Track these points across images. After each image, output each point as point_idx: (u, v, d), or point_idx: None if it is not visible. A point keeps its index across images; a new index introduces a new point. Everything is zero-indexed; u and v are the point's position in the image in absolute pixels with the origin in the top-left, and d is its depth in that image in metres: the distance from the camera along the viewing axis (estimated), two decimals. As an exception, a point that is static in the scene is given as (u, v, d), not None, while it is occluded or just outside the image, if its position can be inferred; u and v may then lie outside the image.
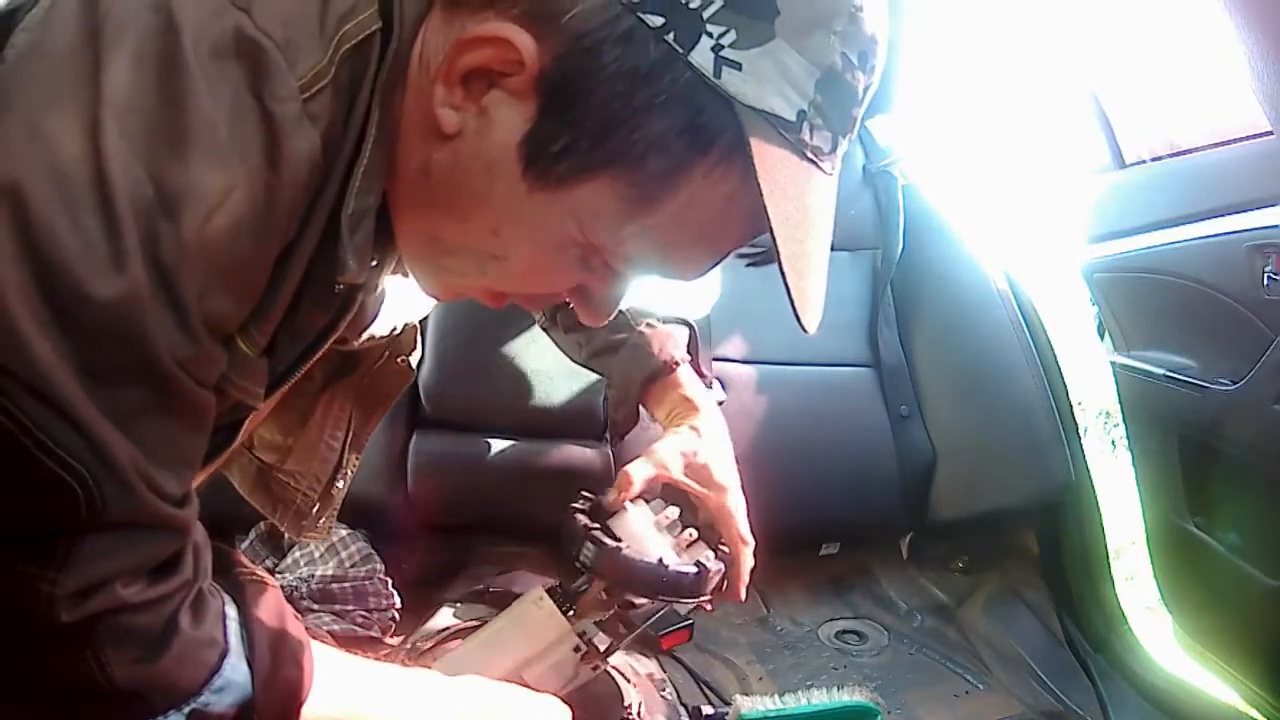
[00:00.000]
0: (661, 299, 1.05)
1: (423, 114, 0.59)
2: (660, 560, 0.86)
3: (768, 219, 0.55)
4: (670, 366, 1.02)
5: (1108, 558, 1.76)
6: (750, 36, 0.53)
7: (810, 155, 0.57)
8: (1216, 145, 1.53)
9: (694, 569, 0.88)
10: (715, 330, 1.78)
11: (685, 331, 1.06)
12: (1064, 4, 1.80)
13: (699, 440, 0.99)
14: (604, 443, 1.68)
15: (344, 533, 1.53)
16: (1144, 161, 1.69)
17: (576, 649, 0.91)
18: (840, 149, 0.60)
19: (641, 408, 1.06)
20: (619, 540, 0.87)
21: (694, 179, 0.57)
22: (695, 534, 0.93)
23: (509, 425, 1.65)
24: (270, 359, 0.65)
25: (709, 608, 0.97)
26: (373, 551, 1.51)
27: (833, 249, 2.05)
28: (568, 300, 0.69)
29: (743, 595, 0.96)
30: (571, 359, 1.10)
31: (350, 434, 1.01)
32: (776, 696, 1.27)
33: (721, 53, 0.53)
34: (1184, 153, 1.61)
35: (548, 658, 0.91)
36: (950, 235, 1.95)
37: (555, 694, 0.90)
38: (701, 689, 1.46)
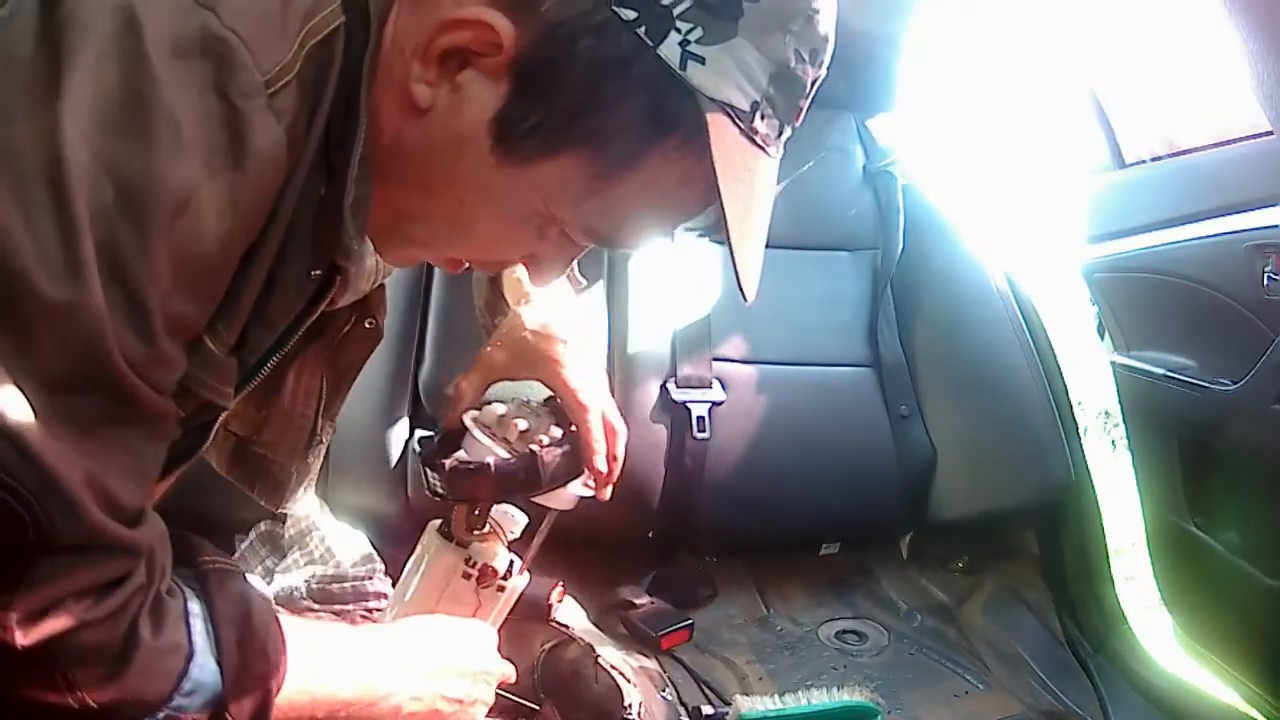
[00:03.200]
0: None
1: (396, 92, 0.62)
2: (486, 462, 0.87)
3: (720, 199, 0.60)
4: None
5: (1108, 558, 1.76)
6: (715, 34, 0.57)
7: (759, 142, 0.62)
8: (1216, 145, 1.53)
9: (521, 457, 0.88)
10: (715, 330, 1.78)
11: None
12: (1064, 3, 1.81)
13: (522, 323, 0.97)
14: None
15: (344, 532, 1.54)
16: (1144, 161, 1.69)
17: (466, 575, 0.93)
18: (785, 135, 0.66)
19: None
20: (457, 458, 0.88)
21: (653, 160, 0.61)
22: (525, 424, 0.91)
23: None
24: (241, 351, 0.66)
25: (589, 491, 0.96)
26: (373, 551, 1.51)
27: (832, 249, 2.06)
28: (519, 264, 0.73)
29: (598, 464, 0.93)
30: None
31: (323, 401, 1.02)
32: (776, 696, 1.27)
33: (688, 47, 0.57)
34: (1184, 153, 1.61)
35: (448, 590, 0.94)
36: (950, 235, 1.95)
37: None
38: (701, 689, 1.46)
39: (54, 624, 0.54)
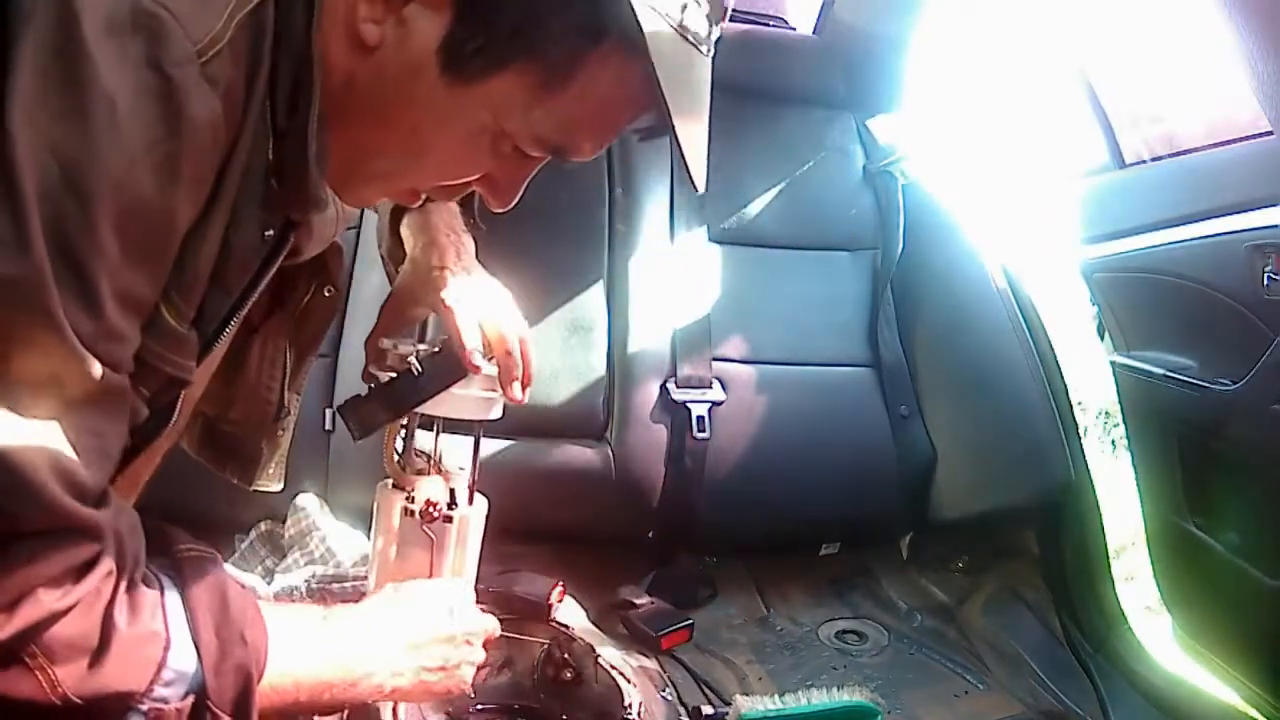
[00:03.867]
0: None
1: (342, 34, 0.65)
2: (369, 386, 0.92)
3: (660, 93, 0.63)
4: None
5: (1108, 558, 1.76)
6: None
7: (691, 39, 0.66)
8: (1216, 145, 1.53)
9: (399, 372, 0.92)
10: (715, 330, 1.78)
11: None
12: (1064, 3, 1.81)
13: (413, 274, 0.98)
14: (604, 443, 1.69)
15: (344, 532, 1.54)
16: (1144, 161, 1.69)
17: (409, 513, 0.94)
18: (714, 35, 0.69)
19: None
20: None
21: (592, 64, 0.65)
22: (406, 348, 0.93)
23: (508, 425, 1.65)
24: (199, 321, 0.67)
25: (494, 394, 0.96)
26: (373, 551, 1.51)
27: (832, 249, 2.07)
28: (475, 190, 0.76)
29: (473, 360, 0.92)
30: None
31: (287, 374, 1.02)
32: (776, 696, 1.27)
33: None
34: (1184, 153, 1.61)
35: (399, 537, 0.95)
36: (950, 235, 1.95)
37: (436, 569, 0.95)
38: (701, 689, 1.46)
39: (27, 614, 0.54)
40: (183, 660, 0.62)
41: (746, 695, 1.30)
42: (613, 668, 1.28)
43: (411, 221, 0.99)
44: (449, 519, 0.95)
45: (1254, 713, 1.50)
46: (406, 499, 0.94)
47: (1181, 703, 1.54)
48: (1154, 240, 1.58)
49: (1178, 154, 1.63)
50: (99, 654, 0.57)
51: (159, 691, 0.61)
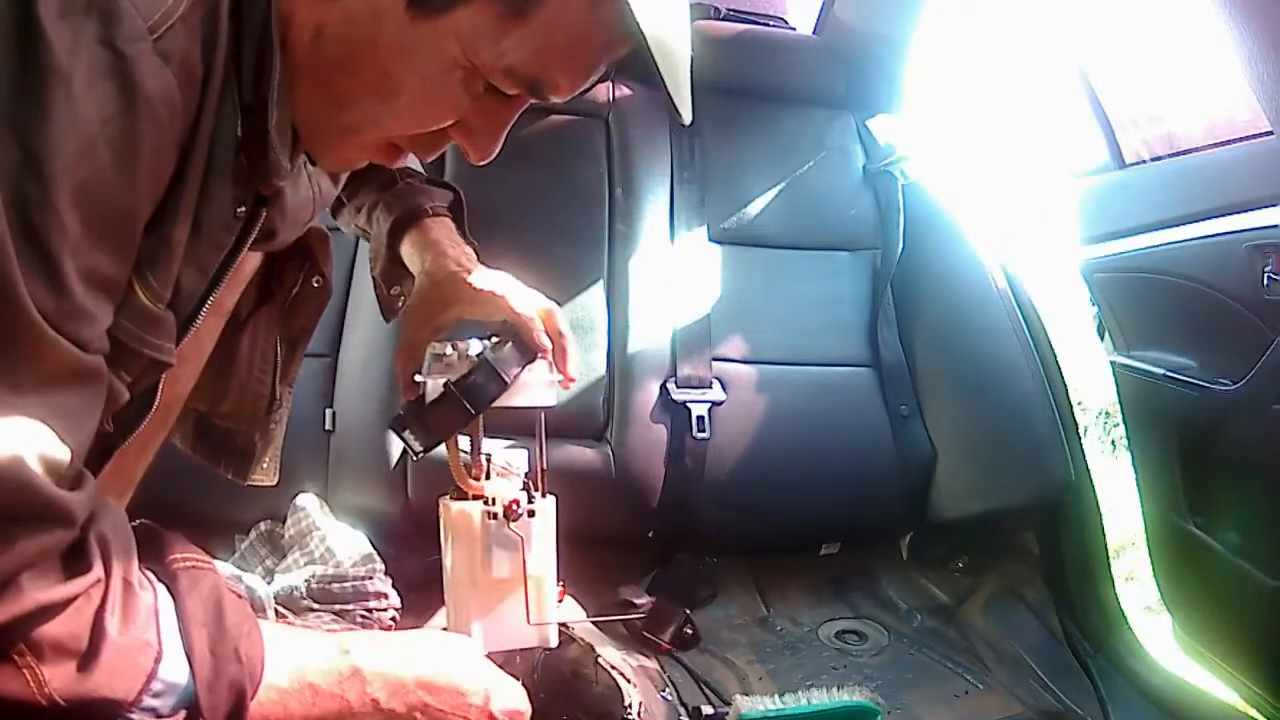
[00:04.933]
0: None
1: None
2: (444, 384, 0.89)
3: (633, 17, 0.62)
4: (421, 213, 1.01)
5: (1108, 558, 1.76)
6: None
7: None
8: (1216, 145, 1.53)
9: (473, 368, 0.90)
10: (715, 330, 1.78)
11: (448, 194, 1.06)
12: (1064, 4, 1.81)
13: (431, 283, 0.98)
14: (604, 443, 1.69)
15: (344, 532, 1.54)
16: (1144, 161, 1.69)
17: (492, 516, 0.94)
18: None
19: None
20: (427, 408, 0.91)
21: None
22: (455, 350, 0.94)
23: (508, 425, 1.65)
24: (175, 301, 0.67)
25: (557, 378, 0.97)
26: (373, 551, 1.51)
27: (832, 249, 2.07)
28: (454, 140, 0.74)
29: (541, 340, 0.93)
30: (350, 232, 1.11)
31: (278, 368, 1.02)
32: (776, 696, 1.27)
33: None
34: (1184, 153, 1.61)
35: (484, 543, 0.94)
36: (950, 235, 1.95)
37: (529, 570, 0.94)
38: (701, 689, 1.46)
39: (12, 606, 0.54)
40: (174, 672, 0.62)
41: (746, 695, 1.30)
42: (613, 668, 1.28)
43: (414, 240, 0.99)
44: (532, 514, 0.95)
45: (1254, 713, 1.50)
46: (487, 504, 0.93)
47: (1181, 703, 1.54)
48: (1154, 240, 1.58)
49: (1178, 154, 1.63)
50: (88, 658, 0.57)
51: (148, 701, 0.61)
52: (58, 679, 0.56)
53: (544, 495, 0.98)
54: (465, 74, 0.67)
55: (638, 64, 0.65)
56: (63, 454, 0.56)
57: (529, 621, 0.97)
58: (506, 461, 0.99)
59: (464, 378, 0.89)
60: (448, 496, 0.97)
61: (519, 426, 1.14)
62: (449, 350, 0.93)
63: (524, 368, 0.92)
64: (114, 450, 0.72)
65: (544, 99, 0.70)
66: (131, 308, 0.61)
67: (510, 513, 0.94)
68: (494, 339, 0.94)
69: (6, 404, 0.52)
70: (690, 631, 1.60)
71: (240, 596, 0.70)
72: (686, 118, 0.69)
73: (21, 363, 0.53)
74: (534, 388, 0.94)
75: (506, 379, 0.90)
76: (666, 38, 0.65)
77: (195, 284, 0.70)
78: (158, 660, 0.61)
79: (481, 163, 0.75)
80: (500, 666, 1.17)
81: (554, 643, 1.02)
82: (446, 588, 0.98)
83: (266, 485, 1.09)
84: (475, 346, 0.94)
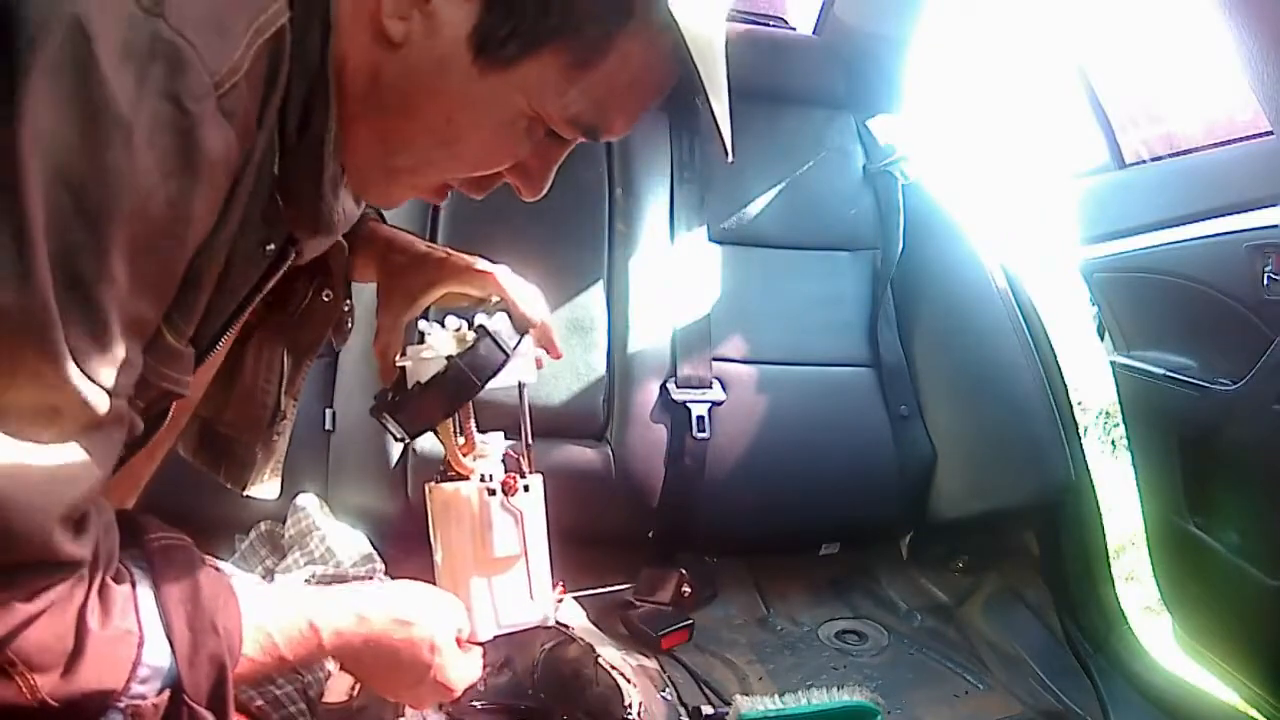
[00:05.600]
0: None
1: (364, 31, 0.64)
2: (446, 358, 0.89)
3: (694, 65, 0.64)
4: (364, 216, 1.00)
5: (1108, 558, 1.76)
6: None
7: (709, 8, 0.67)
8: (1216, 145, 1.53)
9: (476, 340, 0.90)
10: (715, 330, 1.78)
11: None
12: (1064, 3, 1.81)
13: (407, 261, 0.98)
14: (604, 443, 1.69)
15: (344, 532, 1.54)
16: (1144, 161, 1.69)
17: (490, 493, 0.94)
18: (729, 1, 0.71)
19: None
20: (417, 381, 0.90)
21: (622, 39, 0.66)
22: (443, 329, 0.94)
23: (508, 425, 1.65)
24: (195, 334, 0.66)
25: (541, 352, 0.98)
26: (373, 551, 1.51)
27: (832, 249, 2.07)
28: (507, 179, 0.76)
29: (531, 314, 0.95)
30: None
31: (284, 379, 1.02)
32: (776, 696, 1.27)
33: None
34: (1184, 153, 1.61)
35: (483, 520, 0.94)
36: (950, 235, 1.95)
37: (528, 543, 0.95)
38: (701, 689, 1.46)
39: (2, 625, 0.54)
40: (157, 656, 0.62)
41: (746, 695, 1.30)
42: (613, 668, 1.28)
43: (363, 235, 0.99)
44: (527, 488, 0.96)
45: (1254, 713, 1.50)
46: (483, 480, 0.94)
47: (1181, 703, 1.54)
48: (1154, 240, 1.58)
49: (1178, 154, 1.63)
50: (74, 657, 0.57)
51: (135, 689, 0.61)
52: (47, 683, 0.56)
53: (531, 471, 0.98)
54: (529, 122, 0.69)
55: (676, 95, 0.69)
56: (83, 498, 0.56)
57: (532, 597, 0.97)
58: (483, 440, 0.98)
59: (467, 351, 0.89)
60: (433, 482, 0.96)
61: (516, 426, 1.15)
62: (426, 328, 0.93)
63: (515, 345, 0.92)
64: (124, 463, 0.73)
65: (598, 139, 0.72)
66: (155, 345, 0.61)
67: (509, 488, 0.94)
68: (477, 316, 0.93)
69: (32, 451, 0.52)
70: (689, 591, 1.60)
71: (217, 570, 0.70)
72: (731, 156, 0.72)
73: (56, 413, 0.53)
74: (522, 361, 0.95)
75: (508, 351, 0.90)
76: (716, 74, 0.67)
77: (217, 318, 0.70)
78: (140, 645, 0.61)
79: (533, 200, 0.77)
80: (501, 666, 1.18)
81: (553, 620, 1.02)
82: (442, 574, 0.97)
83: (268, 499, 1.08)
84: (454, 323, 0.94)
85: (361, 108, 0.66)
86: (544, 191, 0.76)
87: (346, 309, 1.02)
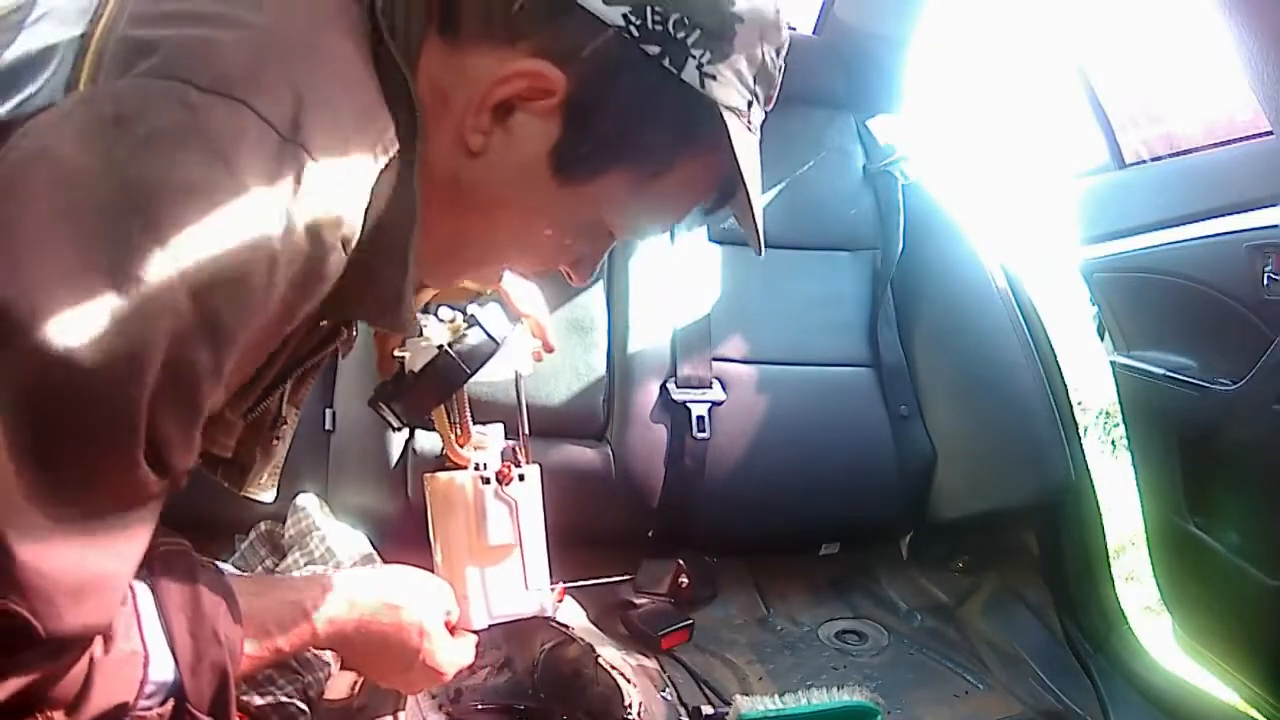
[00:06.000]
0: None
1: (448, 139, 0.68)
2: (439, 346, 0.91)
3: (742, 181, 0.71)
4: None
5: (1108, 558, 1.76)
6: (718, 54, 0.68)
7: (752, 129, 0.73)
8: (1216, 145, 1.53)
9: (468, 328, 0.92)
10: (715, 330, 1.78)
11: None
12: (1064, 3, 1.81)
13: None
14: (604, 443, 1.69)
15: (344, 532, 1.54)
16: (1144, 161, 1.69)
17: (485, 481, 0.95)
18: (764, 119, 0.77)
19: None
20: (410, 370, 0.92)
21: (683, 161, 0.72)
22: (437, 320, 0.95)
23: (508, 421, 1.65)
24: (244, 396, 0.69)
25: (537, 343, 1.01)
26: (373, 551, 1.50)
27: (832, 249, 2.07)
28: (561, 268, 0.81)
29: (522, 308, 1.00)
30: None
31: (287, 387, 1.03)
32: (776, 696, 1.27)
33: (702, 69, 0.67)
34: (1184, 153, 1.61)
35: (478, 510, 0.95)
36: (950, 235, 1.95)
37: (523, 533, 0.97)
38: (701, 689, 1.46)
39: (16, 683, 0.54)
40: (162, 670, 0.63)
41: (746, 695, 1.30)
42: (613, 668, 1.28)
43: None
44: (521, 478, 0.98)
45: (1254, 713, 1.50)
46: (478, 469, 0.96)
47: (1181, 703, 1.54)
48: (1154, 240, 1.58)
49: (1178, 154, 1.63)
50: (85, 688, 0.58)
51: (141, 705, 0.62)
52: (61, 713, 0.57)
53: (528, 463, 0.99)
54: (593, 227, 0.75)
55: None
56: (126, 571, 0.56)
57: (526, 587, 0.98)
58: (481, 431, 1.00)
59: (457, 340, 0.91)
60: (431, 475, 0.98)
61: (515, 426, 1.16)
62: (432, 320, 0.94)
63: (506, 335, 0.94)
64: None
65: (644, 237, 0.77)
66: (214, 419, 0.63)
67: (503, 477, 0.96)
68: (470, 306, 0.95)
69: (86, 532, 0.52)
70: (686, 582, 1.60)
71: (216, 572, 0.71)
72: (762, 253, 0.79)
73: (113, 497, 0.53)
74: (515, 354, 0.96)
75: (498, 339, 0.92)
76: (755, 178, 0.72)
77: (265, 386, 0.73)
78: (146, 664, 0.62)
79: (581, 285, 0.84)
80: (501, 666, 1.18)
81: (550, 611, 1.03)
82: (440, 564, 0.98)
83: (264, 501, 1.09)
84: (448, 314, 0.95)
85: (437, 207, 0.69)
86: (591, 279, 0.82)
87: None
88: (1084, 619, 1.73)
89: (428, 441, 1.63)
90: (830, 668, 1.58)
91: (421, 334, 0.93)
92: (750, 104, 0.72)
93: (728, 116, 0.69)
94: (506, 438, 1.03)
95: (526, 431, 1.01)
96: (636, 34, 0.65)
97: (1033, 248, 2.35)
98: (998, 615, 1.73)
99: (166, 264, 0.49)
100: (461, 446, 0.98)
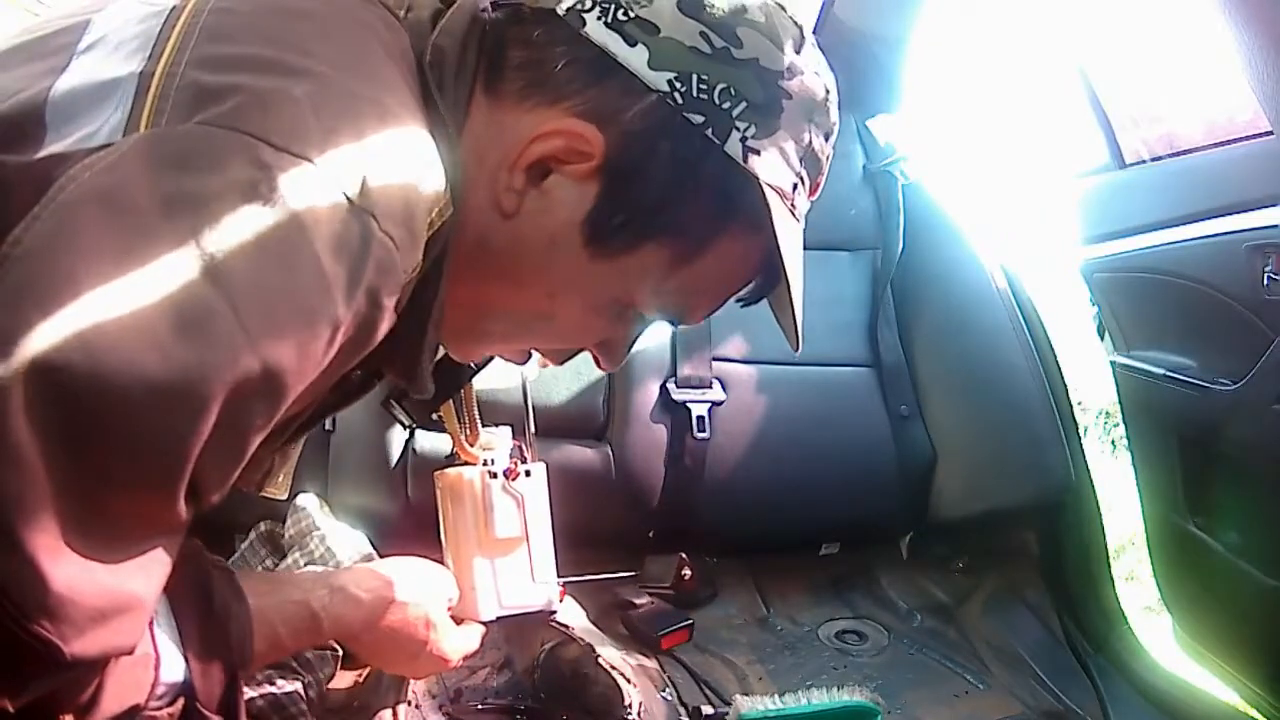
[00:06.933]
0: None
1: (481, 197, 0.66)
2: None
3: (783, 267, 0.67)
4: None
5: (1108, 558, 1.76)
6: (765, 129, 0.66)
7: (797, 215, 0.71)
8: (1216, 145, 1.53)
9: None
10: (715, 330, 1.78)
11: None
12: (1064, 3, 1.81)
13: None
14: (604, 443, 1.69)
15: (344, 532, 1.54)
16: (1144, 161, 1.69)
17: (492, 475, 0.98)
18: (809, 207, 0.75)
19: None
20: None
21: (723, 240, 0.69)
22: None
23: (514, 422, 1.65)
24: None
25: None
26: (373, 551, 1.50)
27: (833, 249, 2.07)
28: (587, 350, 0.78)
29: None
30: None
31: None
32: (776, 696, 1.27)
33: (746, 142, 0.65)
34: (1184, 153, 1.61)
35: (486, 503, 0.98)
36: (950, 235, 1.95)
37: (530, 527, 1.00)
38: (701, 689, 1.46)
39: (34, 695, 0.53)
40: (172, 672, 0.63)
41: (746, 695, 1.30)
42: (613, 668, 1.28)
43: None
44: (529, 473, 1.00)
45: (1254, 713, 1.50)
46: (486, 465, 0.98)
47: (1181, 703, 1.54)
48: (1154, 240, 1.58)
49: (1178, 154, 1.63)
50: (97, 693, 0.57)
51: (153, 705, 0.62)
52: (73, 715, 0.56)
53: (534, 460, 1.02)
54: (623, 306, 0.71)
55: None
56: (153, 594, 0.55)
57: (533, 580, 1.00)
58: (490, 432, 1.03)
59: None
60: (440, 471, 1.01)
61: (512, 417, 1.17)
62: None
63: None
64: None
65: (676, 324, 0.76)
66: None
67: (511, 473, 0.98)
68: None
69: (118, 559, 0.51)
70: (689, 574, 1.60)
71: (226, 572, 0.71)
72: (799, 348, 0.73)
73: (147, 528, 0.53)
74: None
75: None
76: (797, 267, 0.69)
77: (296, 431, 0.73)
78: (157, 667, 0.62)
79: (608, 371, 0.82)
80: (501, 666, 1.19)
81: (557, 605, 1.05)
82: (449, 558, 1.01)
83: (280, 499, 1.10)
84: None
85: (464, 270, 0.67)
86: (619, 364, 0.79)
87: None
88: (1084, 619, 1.73)
89: (428, 441, 1.63)
90: (830, 668, 1.58)
91: None
92: (795, 186, 0.69)
93: (770, 196, 0.66)
94: (513, 439, 1.04)
95: (534, 431, 1.02)
96: (680, 101, 0.63)
97: (1033, 248, 2.35)
98: (998, 615, 1.73)
99: (232, 320, 0.49)
100: (471, 445, 0.99)
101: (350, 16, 0.63)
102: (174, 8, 0.59)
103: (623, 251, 0.67)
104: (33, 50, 0.59)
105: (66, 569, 0.47)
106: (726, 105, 0.64)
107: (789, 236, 0.68)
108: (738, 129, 0.65)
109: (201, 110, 0.52)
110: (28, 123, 0.54)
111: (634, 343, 0.78)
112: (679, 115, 0.64)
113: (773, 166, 0.66)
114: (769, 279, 0.72)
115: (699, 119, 0.64)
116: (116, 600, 0.50)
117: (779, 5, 0.69)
